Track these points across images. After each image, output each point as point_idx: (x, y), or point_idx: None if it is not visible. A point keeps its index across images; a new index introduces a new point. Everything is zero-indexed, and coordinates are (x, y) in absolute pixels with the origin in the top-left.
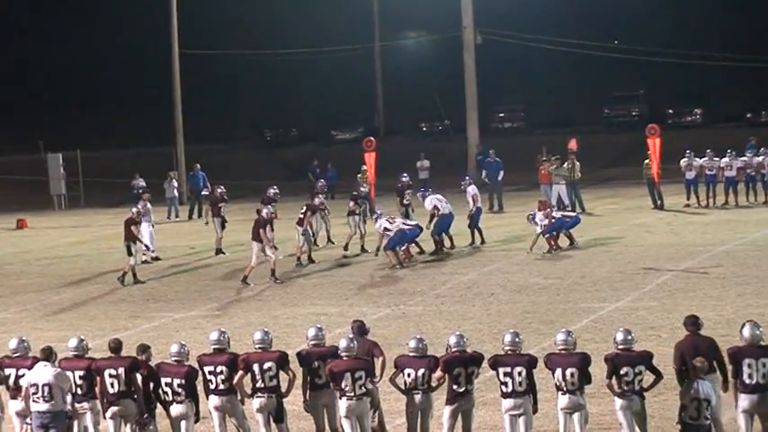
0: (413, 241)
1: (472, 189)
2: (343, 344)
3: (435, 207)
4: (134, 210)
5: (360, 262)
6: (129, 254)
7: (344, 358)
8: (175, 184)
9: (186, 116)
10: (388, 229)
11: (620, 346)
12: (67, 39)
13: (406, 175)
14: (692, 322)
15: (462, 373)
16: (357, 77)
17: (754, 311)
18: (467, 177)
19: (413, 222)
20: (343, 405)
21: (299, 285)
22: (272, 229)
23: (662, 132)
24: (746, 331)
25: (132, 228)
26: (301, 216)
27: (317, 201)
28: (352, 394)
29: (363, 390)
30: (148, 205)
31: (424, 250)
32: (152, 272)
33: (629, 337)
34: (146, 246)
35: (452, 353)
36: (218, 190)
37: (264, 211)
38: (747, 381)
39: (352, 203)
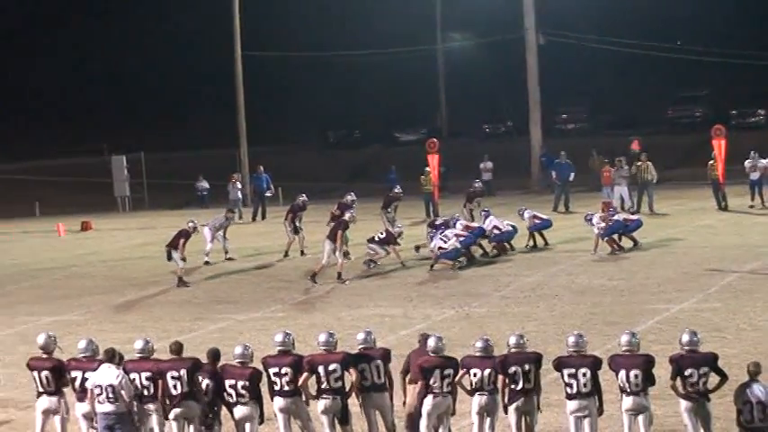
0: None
1: (528, 213)
2: (432, 343)
3: (495, 227)
4: (190, 224)
5: (423, 264)
6: (169, 259)
7: (432, 356)
8: (239, 186)
9: (249, 118)
10: (443, 248)
11: (686, 348)
12: (132, 41)
13: (478, 180)
14: None
15: (519, 371)
16: (420, 79)
17: None
18: (522, 208)
19: (474, 225)
20: (428, 402)
21: (362, 287)
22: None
23: (726, 133)
24: (623, 339)
25: (181, 240)
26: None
27: (347, 216)
28: (439, 391)
29: (450, 388)
30: (225, 221)
31: (487, 252)
32: (216, 273)
33: (695, 339)
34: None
35: (509, 352)
36: (301, 198)
37: (347, 215)
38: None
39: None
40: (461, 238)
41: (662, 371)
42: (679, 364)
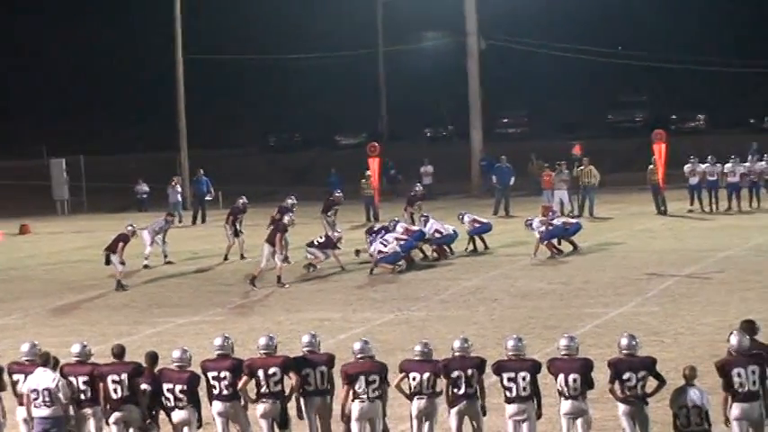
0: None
1: (468, 217)
2: (357, 346)
3: (437, 230)
4: (129, 228)
5: (363, 268)
6: (107, 263)
7: (359, 360)
8: (179, 189)
9: (190, 121)
10: (383, 251)
11: (624, 352)
12: (71, 43)
13: (419, 184)
14: (749, 328)
15: (462, 376)
16: (361, 83)
17: (756, 317)
18: (462, 212)
19: (415, 228)
20: (355, 408)
21: (302, 291)
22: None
23: (666, 138)
24: (734, 340)
25: (120, 243)
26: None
27: (286, 219)
28: (365, 396)
29: (377, 393)
30: (165, 224)
31: (427, 255)
32: (155, 277)
33: (634, 343)
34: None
35: (452, 356)
36: (241, 201)
37: (286, 218)
38: (739, 390)
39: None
40: (401, 242)
41: (600, 375)
42: (617, 367)
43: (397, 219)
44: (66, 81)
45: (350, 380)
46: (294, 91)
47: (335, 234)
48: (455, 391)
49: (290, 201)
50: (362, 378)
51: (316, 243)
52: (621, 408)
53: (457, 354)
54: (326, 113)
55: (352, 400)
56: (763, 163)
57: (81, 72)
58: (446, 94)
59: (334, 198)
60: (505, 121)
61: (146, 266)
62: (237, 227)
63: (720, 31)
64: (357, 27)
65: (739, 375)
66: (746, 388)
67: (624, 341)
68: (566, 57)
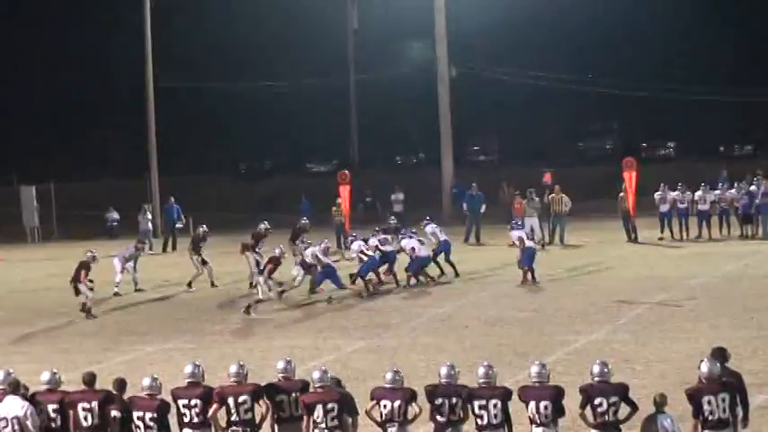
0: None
1: (430, 228)
2: (315, 375)
3: (412, 248)
4: (89, 255)
5: (336, 295)
6: (77, 294)
7: (318, 390)
8: (149, 216)
9: (161, 148)
10: (363, 254)
11: (596, 378)
12: (41, 70)
13: (394, 218)
14: (719, 355)
15: (446, 403)
16: (332, 110)
17: (726, 344)
18: (427, 217)
19: (390, 248)
20: None
21: (272, 318)
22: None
23: (637, 166)
24: (704, 367)
25: (82, 271)
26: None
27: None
28: (324, 426)
29: (335, 422)
30: (135, 252)
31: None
32: (125, 304)
33: (605, 370)
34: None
35: (437, 383)
36: (201, 229)
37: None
38: (709, 418)
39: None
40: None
41: (571, 402)
42: (588, 392)
43: (377, 228)
44: (37, 108)
45: (308, 409)
46: (266, 118)
47: (277, 251)
48: (438, 418)
49: (263, 226)
50: (320, 407)
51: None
52: None
53: (443, 381)
54: (298, 140)
55: (313, 430)
56: (734, 191)
57: (52, 99)
58: (417, 122)
59: (300, 226)
60: (476, 148)
61: (116, 294)
62: (202, 255)
63: (691, 59)
64: (328, 54)
65: (709, 403)
66: (716, 416)
67: (596, 368)
68: (536, 84)
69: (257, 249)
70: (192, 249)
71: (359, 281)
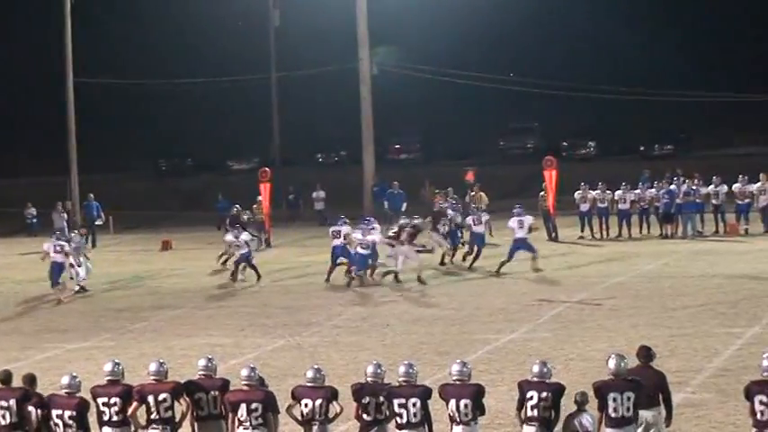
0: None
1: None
2: (243, 373)
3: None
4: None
5: (254, 292)
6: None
7: (244, 388)
8: (64, 214)
9: (80, 145)
10: (363, 241)
11: (535, 378)
12: None
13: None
14: (645, 354)
15: (372, 402)
16: (254, 108)
17: (646, 343)
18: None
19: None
20: None
21: (192, 316)
22: None
23: (557, 164)
24: (612, 363)
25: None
26: None
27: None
28: (248, 424)
29: (260, 420)
30: (79, 238)
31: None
32: (44, 302)
33: (545, 370)
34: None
35: (363, 381)
36: (235, 208)
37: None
38: (613, 414)
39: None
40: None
41: (491, 400)
42: (522, 387)
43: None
44: None
45: (232, 407)
46: (187, 116)
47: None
48: (364, 416)
49: (235, 209)
50: (244, 406)
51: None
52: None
53: (369, 379)
54: (219, 138)
55: (236, 429)
56: (653, 190)
57: None
58: (338, 120)
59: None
60: (398, 146)
61: (83, 288)
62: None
63: (612, 58)
64: (250, 53)
65: (614, 400)
66: (620, 413)
67: (536, 368)
68: (457, 83)
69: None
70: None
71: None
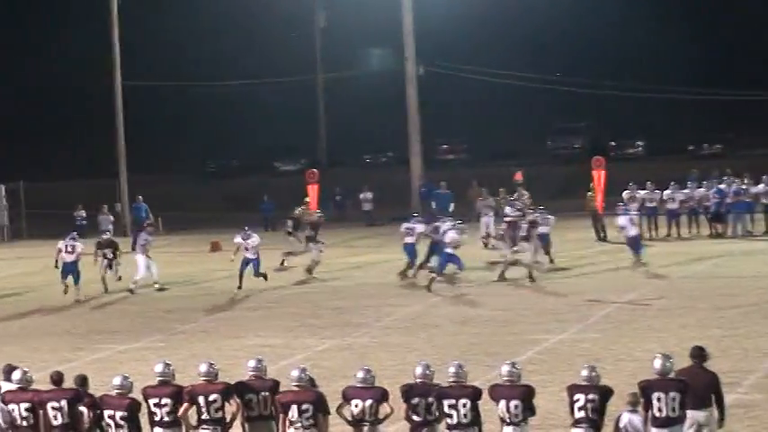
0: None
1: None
2: (294, 374)
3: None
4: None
5: (303, 293)
6: None
7: (295, 389)
8: (110, 217)
9: (129, 147)
10: (456, 240)
11: (584, 383)
12: (8, 68)
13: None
14: (698, 354)
15: (422, 403)
16: (301, 109)
17: (696, 343)
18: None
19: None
20: None
21: (243, 317)
22: None
23: (605, 164)
24: (657, 363)
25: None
26: None
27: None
28: (299, 425)
29: (311, 421)
30: (149, 237)
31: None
32: (96, 303)
33: (593, 375)
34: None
35: (412, 382)
36: (317, 215)
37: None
38: (657, 414)
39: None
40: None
41: (541, 401)
42: (571, 390)
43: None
44: (4, 107)
45: (283, 408)
46: (234, 117)
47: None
48: (414, 417)
49: (316, 215)
50: (295, 407)
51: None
52: None
53: (418, 380)
54: (266, 140)
55: (288, 429)
56: (703, 189)
57: (20, 98)
58: (386, 121)
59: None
60: (445, 147)
61: (131, 291)
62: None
63: (660, 57)
64: (296, 54)
65: (659, 400)
66: (665, 413)
67: (584, 372)
68: (505, 83)
69: (318, 239)
70: (308, 236)
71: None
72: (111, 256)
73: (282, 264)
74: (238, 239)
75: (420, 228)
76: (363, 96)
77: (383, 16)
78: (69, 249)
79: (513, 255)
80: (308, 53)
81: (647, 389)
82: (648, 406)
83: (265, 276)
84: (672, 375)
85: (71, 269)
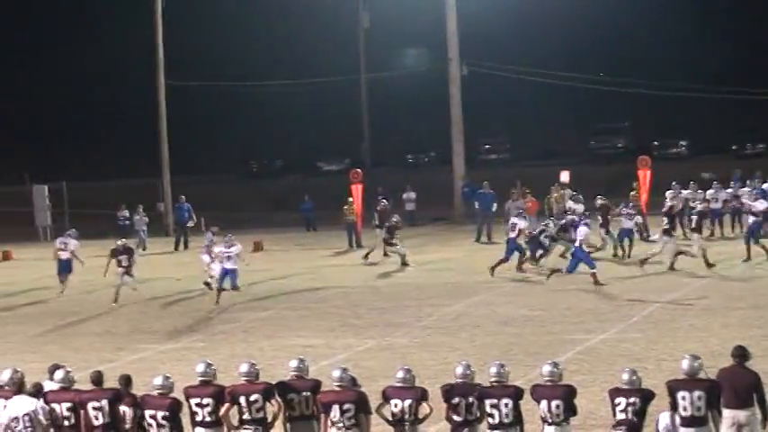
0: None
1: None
2: (335, 374)
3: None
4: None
5: (345, 294)
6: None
7: (336, 389)
8: (146, 217)
9: (171, 147)
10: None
11: (625, 386)
12: (53, 69)
13: (396, 217)
14: (740, 353)
15: (462, 403)
16: (344, 109)
17: (739, 343)
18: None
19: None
20: None
21: (284, 317)
22: None
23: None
24: (684, 364)
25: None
26: None
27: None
28: (341, 425)
29: (353, 421)
30: (213, 237)
31: None
32: (137, 303)
33: (634, 378)
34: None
35: (453, 382)
36: (394, 219)
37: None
38: (683, 413)
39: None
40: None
41: (583, 401)
42: (611, 394)
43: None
44: (48, 107)
45: (325, 408)
46: (275, 117)
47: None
48: (455, 417)
49: (395, 219)
50: (336, 407)
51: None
52: None
53: (459, 380)
54: (308, 140)
55: (330, 429)
56: (747, 189)
57: (63, 98)
58: (428, 120)
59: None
60: (487, 147)
61: (207, 284)
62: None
63: (702, 57)
64: (339, 53)
65: (683, 399)
66: (689, 412)
67: (625, 376)
68: (546, 83)
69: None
70: (385, 238)
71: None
72: (127, 263)
73: (387, 254)
74: (221, 248)
75: (522, 223)
76: (406, 96)
77: (425, 17)
78: (62, 247)
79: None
80: (352, 53)
81: (672, 387)
82: (674, 405)
83: (239, 289)
84: (701, 375)
85: (65, 266)
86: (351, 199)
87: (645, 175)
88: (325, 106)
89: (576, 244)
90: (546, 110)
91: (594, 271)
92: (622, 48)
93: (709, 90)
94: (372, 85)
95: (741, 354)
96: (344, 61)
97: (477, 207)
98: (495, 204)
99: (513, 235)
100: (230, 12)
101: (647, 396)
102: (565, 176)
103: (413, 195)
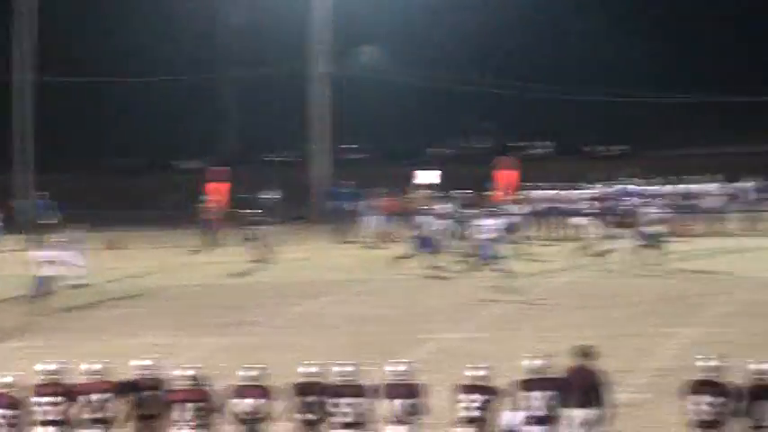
0: None
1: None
2: (187, 373)
3: None
4: None
5: (199, 292)
6: None
7: (186, 388)
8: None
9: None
10: None
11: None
12: None
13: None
14: (582, 352)
15: (309, 402)
16: (203, 107)
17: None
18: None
19: None
20: None
21: (135, 315)
22: None
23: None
24: (529, 363)
25: None
26: None
27: None
28: (190, 424)
29: (202, 421)
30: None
31: None
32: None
33: (482, 375)
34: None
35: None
36: None
37: None
38: (530, 412)
39: None
40: None
41: (434, 399)
42: (458, 391)
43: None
44: None
45: (174, 407)
46: (131, 114)
47: None
48: (301, 417)
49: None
50: (186, 405)
51: None
52: None
53: (311, 378)
54: (165, 137)
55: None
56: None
57: None
58: (290, 120)
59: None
60: (353, 147)
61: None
62: None
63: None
64: (197, 51)
65: (530, 398)
66: (537, 411)
67: (473, 373)
68: (413, 84)
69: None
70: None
71: None
72: None
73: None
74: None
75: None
76: (267, 96)
77: (290, 14)
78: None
79: None
80: (210, 52)
81: (521, 387)
82: (521, 404)
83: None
84: (549, 375)
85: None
86: (205, 197)
87: (502, 175)
88: (183, 104)
89: (483, 236)
90: (412, 110)
91: None
92: (496, 49)
93: (573, 92)
94: (235, 83)
95: (585, 353)
96: (203, 59)
97: (342, 206)
98: (358, 204)
99: (416, 233)
100: (90, 7)
101: (494, 393)
102: (426, 177)
103: (272, 194)
